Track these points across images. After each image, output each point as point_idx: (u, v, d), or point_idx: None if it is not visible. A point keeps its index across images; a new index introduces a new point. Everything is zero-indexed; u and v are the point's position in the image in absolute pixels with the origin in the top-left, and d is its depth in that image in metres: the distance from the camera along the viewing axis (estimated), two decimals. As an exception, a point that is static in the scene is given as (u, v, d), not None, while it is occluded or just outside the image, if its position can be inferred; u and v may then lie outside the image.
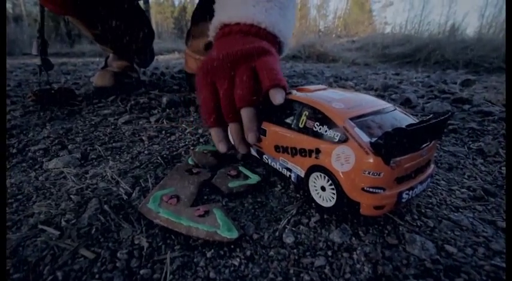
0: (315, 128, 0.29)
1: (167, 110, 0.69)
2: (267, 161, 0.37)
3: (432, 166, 0.30)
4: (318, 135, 0.29)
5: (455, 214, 0.30)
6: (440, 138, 0.29)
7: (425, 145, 0.27)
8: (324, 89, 0.35)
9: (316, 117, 0.29)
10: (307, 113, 0.31)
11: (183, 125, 0.58)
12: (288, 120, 0.32)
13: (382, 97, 0.82)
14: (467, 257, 0.24)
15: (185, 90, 0.90)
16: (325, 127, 0.28)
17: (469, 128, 0.55)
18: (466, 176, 0.39)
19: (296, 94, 0.33)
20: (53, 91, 0.69)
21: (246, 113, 0.34)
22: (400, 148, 0.24)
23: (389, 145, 0.23)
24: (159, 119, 0.62)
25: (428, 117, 0.27)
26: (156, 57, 1.12)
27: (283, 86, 0.33)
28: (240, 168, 0.37)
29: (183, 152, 0.45)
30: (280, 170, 0.35)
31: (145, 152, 0.45)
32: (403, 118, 0.29)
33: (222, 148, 0.36)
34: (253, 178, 0.35)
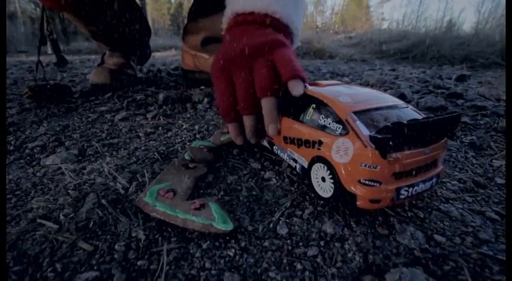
0: (320, 120, 0.30)
1: (164, 107, 0.69)
2: (277, 152, 0.38)
3: (440, 166, 0.29)
4: (322, 128, 0.30)
5: (445, 205, 0.31)
6: (451, 137, 0.29)
7: (428, 142, 0.26)
8: (338, 84, 0.36)
9: (322, 110, 0.30)
10: (314, 106, 0.32)
11: (180, 122, 0.58)
12: (297, 113, 0.34)
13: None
14: (455, 246, 0.25)
15: (182, 87, 0.90)
16: (329, 120, 0.29)
17: (462, 122, 0.56)
18: (457, 169, 0.40)
19: (307, 88, 0.34)
20: (48, 86, 0.69)
21: (267, 103, 0.35)
22: (398, 143, 0.24)
23: (386, 138, 0.24)
24: (155, 115, 0.62)
25: (435, 115, 0.26)
26: (152, 54, 1.11)
27: (303, 77, 0.34)
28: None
29: (179, 148, 0.45)
30: (288, 160, 0.36)
31: (142, 148, 0.46)
32: (413, 115, 0.29)
33: (240, 141, 0.39)
34: None
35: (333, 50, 2.39)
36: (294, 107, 0.34)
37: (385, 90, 0.84)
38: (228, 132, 0.42)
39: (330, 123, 0.29)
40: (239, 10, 0.41)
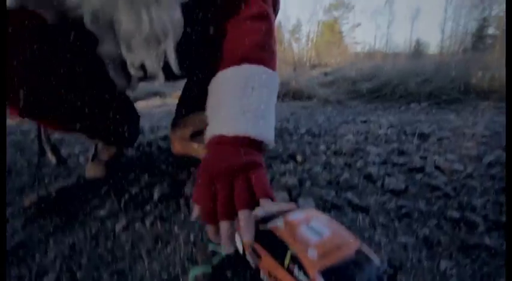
0: (295, 270, 0.38)
1: (159, 205, 0.76)
2: (253, 266, 0.47)
3: None
4: (296, 278, 0.38)
5: None
6: None
7: None
8: (308, 220, 0.44)
9: (296, 262, 0.38)
10: (290, 254, 0.40)
11: (176, 230, 0.65)
12: (278, 254, 0.41)
13: (349, 166, 0.93)
14: None
15: (173, 168, 0.98)
16: (301, 273, 0.37)
17: (418, 211, 0.66)
18: (411, 278, 0.48)
19: (283, 229, 0.42)
20: (51, 197, 0.76)
21: (245, 215, 0.42)
22: None
23: None
24: (153, 222, 0.69)
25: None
26: (135, 105, 1.09)
27: (271, 197, 0.44)
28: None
29: (179, 272, 0.52)
30: None
31: (147, 275, 0.52)
32: (364, 263, 0.38)
33: (216, 240, 0.46)
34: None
35: (311, 91, 2.55)
36: (276, 248, 0.42)
37: (355, 162, 0.94)
38: (213, 254, 0.53)
39: (301, 277, 0.37)
40: (223, 132, 0.52)
